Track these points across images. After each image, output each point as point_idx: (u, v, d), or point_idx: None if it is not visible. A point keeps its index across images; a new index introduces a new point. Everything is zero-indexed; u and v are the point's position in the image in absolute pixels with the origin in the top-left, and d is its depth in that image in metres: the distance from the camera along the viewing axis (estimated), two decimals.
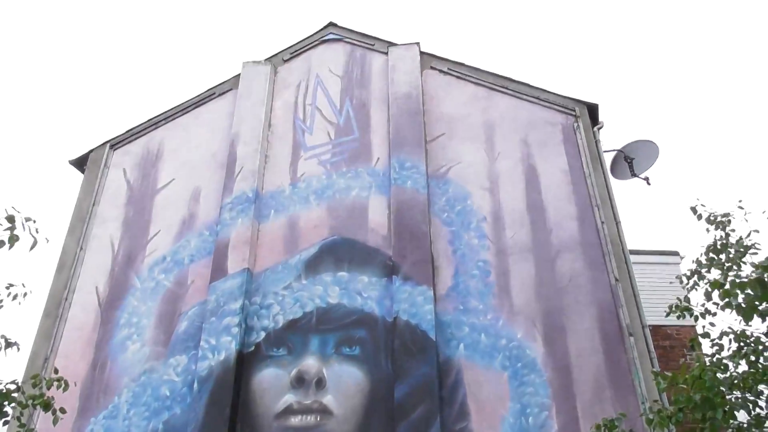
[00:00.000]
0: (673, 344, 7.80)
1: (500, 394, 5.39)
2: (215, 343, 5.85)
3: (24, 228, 4.17)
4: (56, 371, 4.69)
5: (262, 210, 6.87)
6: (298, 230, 6.66)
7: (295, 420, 5.44)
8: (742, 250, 4.56)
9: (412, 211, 6.40)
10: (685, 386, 4.00)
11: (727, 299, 4.32)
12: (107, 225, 7.22)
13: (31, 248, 4.19)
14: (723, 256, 4.63)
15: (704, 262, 4.71)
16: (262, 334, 6.00)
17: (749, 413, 4.08)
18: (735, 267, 4.54)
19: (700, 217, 4.87)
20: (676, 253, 8.76)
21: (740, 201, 4.80)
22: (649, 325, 5.71)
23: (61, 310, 6.55)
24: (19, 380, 4.57)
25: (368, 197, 6.76)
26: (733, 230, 4.76)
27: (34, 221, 4.22)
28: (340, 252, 6.37)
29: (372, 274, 6.18)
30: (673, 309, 4.67)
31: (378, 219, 6.57)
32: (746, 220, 4.72)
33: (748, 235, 4.66)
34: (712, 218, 4.84)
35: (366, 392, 5.52)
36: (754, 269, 4.35)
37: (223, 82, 8.12)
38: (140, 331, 6.31)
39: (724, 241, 4.69)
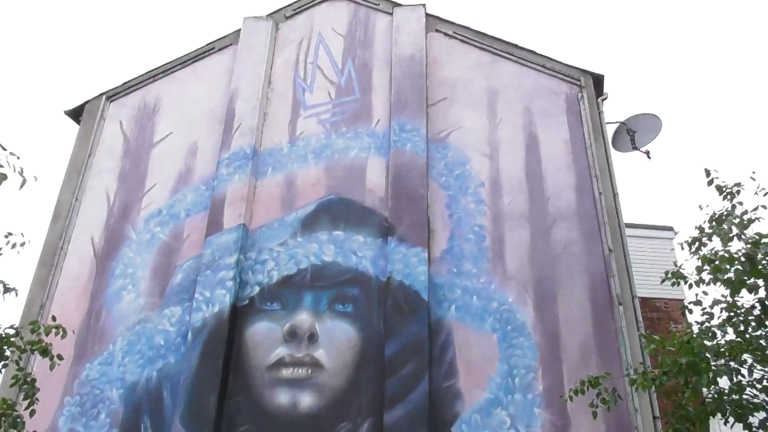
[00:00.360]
0: (661, 316, 7.92)
1: (489, 355, 5.48)
2: (210, 296, 5.90)
3: (9, 165, 4.06)
4: (54, 319, 4.70)
5: (260, 167, 6.83)
6: (295, 188, 6.64)
7: (287, 372, 5.53)
8: (745, 222, 4.51)
9: (411, 173, 6.38)
10: (672, 349, 4.07)
11: (716, 274, 4.36)
12: (103, 177, 7.18)
13: (21, 187, 4.11)
14: (725, 226, 4.57)
15: (707, 230, 4.67)
16: (257, 289, 6.05)
17: (731, 380, 4.17)
18: (736, 239, 4.49)
19: (711, 182, 4.77)
20: (670, 228, 8.82)
21: (753, 172, 4.68)
22: (639, 297, 5.79)
23: (56, 260, 6.57)
24: (17, 326, 4.60)
25: (367, 158, 6.72)
26: (740, 202, 4.67)
27: (18, 158, 4.10)
28: (337, 211, 6.37)
29: (367, 234, 6.20)
30: (668, 276, 4.69)
31: (376, 180, 6.55)
32: (756, 194, 4.63)
33: (755, 208, 4.58)
34: (723, 187, 4.74)
35: (357, 348, 5.61)
36: (744, 244, 4.38)
37: (222, 37, 7.96)
38: (135, 282, 6.35)
39: (729, 212, 4.63)
